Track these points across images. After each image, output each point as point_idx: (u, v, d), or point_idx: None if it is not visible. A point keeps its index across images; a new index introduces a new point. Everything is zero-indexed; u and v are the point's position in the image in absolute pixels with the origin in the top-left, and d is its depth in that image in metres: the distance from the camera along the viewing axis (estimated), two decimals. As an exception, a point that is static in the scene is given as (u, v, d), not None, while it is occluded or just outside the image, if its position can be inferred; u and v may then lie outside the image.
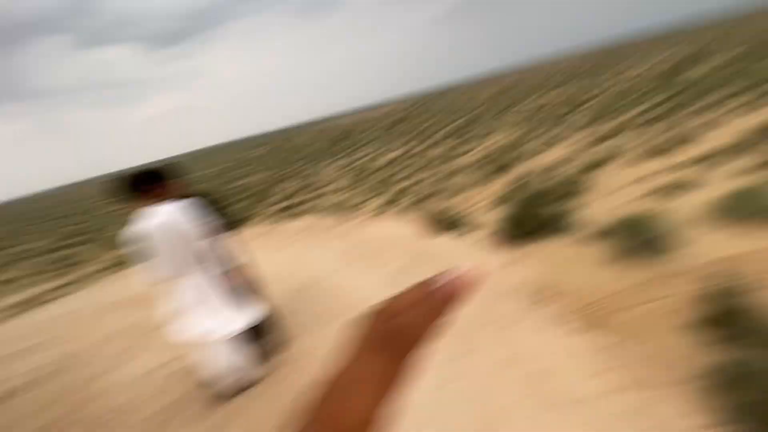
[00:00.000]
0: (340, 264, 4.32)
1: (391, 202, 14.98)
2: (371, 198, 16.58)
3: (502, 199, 8.40)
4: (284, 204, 19.63)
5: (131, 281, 4.73)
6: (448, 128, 32.37)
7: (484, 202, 11.43)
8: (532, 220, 4.26)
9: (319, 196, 19.43)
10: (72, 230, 25.00)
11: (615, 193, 5.92)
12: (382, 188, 17.56)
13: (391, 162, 23.59)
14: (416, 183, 16.83)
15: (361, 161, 27.66)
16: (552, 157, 13.25)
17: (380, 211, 14.20)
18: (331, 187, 20.85)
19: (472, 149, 20.43)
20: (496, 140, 20.78)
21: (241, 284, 2.28)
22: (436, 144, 25.89)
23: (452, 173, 16.50)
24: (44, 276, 13.16)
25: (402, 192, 15.73)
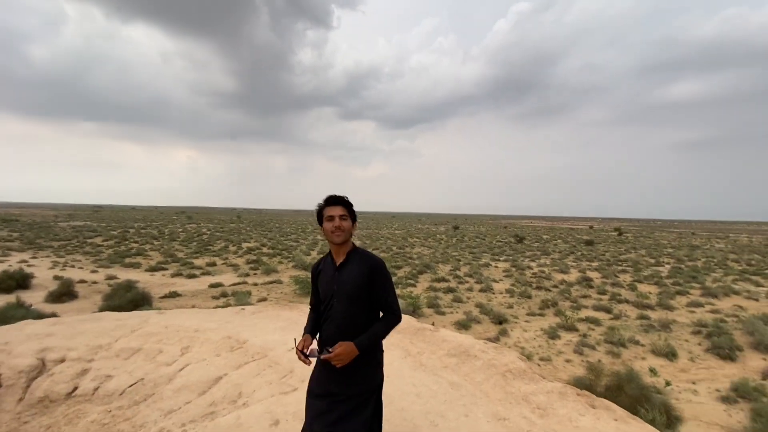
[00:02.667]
0: None
1: (566, 329, 11.91)
2: (536, 315, 13.73)
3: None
4: (441, 285, 18.45)
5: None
6: (657, 268, 25.94)
7: (707, 382, 7.61)
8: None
9: (471, 289, 17.56)
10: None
11: None
12: (551, 308, 14.41)
13: (564, 282, 19.79)
14: (596, 322, 13.07)
15: (533, 269, 24.43)
16: None
17: (549, 333, 11.39)
18: (494, 286, 18.60)
19: (698, 303, 15.09)
20: (736, 302, 14.83)
21: None
22: (637, 282, 20.67)
23: (665, 325, 12.16)
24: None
25: (579, 322, 12.41)
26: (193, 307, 13.87)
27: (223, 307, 13.77)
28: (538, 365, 9.54)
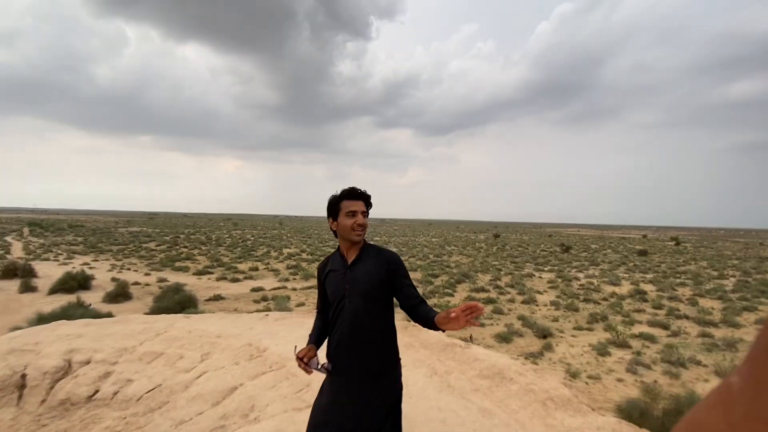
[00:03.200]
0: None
1: (617, 345, 11.04)
2: (584, 330, 12.85)
3: None
4: (480, 295, 17.86)
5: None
6: (720, 281, 23.65)
7: None
8: None
9: (512, 301, 16.77)
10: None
11: None
12: (601, 322, 13.42)
13: (615, 295, 18.45)
14: (652, 337, 11.99)
15: (581, 280, 23.06)
16: None
17: (598, 350, 10.59)
18: (538, 297, 17.71)
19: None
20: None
21: None
22: (698, 296, 18.91)
23: (730, 344, 10.95)
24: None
25: (632, 338, 11.43)
26: (235, 310, 14.34)
27: (263, 311, 14.21)
28: (586, 383, 8.85)
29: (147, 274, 22.06)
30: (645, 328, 12.85)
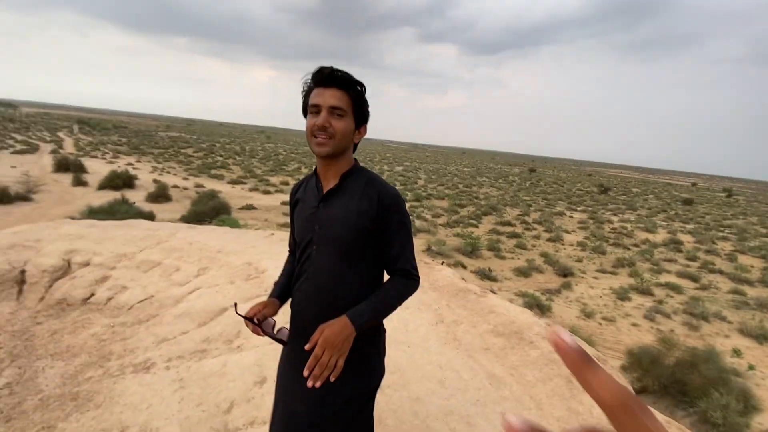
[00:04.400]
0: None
1: (639, 291, 10.84)
2: (607, 273, 12.60)
3: None
4: (505, 229, 17.64)
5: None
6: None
7: None
8: None
9: (538, 237, 16.48)
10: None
11: None
12: (626, 268, 13.07)
13: (647, 242, 17.68)
14: (679, 288, 11.60)
15: (614, 224, 22.19)
16: None
17: (619, 294, 10.46)
18: (565, 237, 17.29)
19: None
20: None
21: None
22: (739, 252, 17.86)
23: (763, 304, 10.48)
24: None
25: (656, 287, 11.14)
26: (266, 220, 14.95)
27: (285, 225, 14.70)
28: (599, 324, 8.88)
29: (185, 179, 23.05)
30: (673, 278, 12.43)
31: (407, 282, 1.19)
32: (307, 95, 1.16)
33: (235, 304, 1.23)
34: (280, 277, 1.38)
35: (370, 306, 1.13)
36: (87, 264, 2.73)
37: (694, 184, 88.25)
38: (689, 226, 23.87)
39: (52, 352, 1.89)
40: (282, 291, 1.32)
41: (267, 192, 21.48)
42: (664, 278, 12.30)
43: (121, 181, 18.71)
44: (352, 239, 1.15)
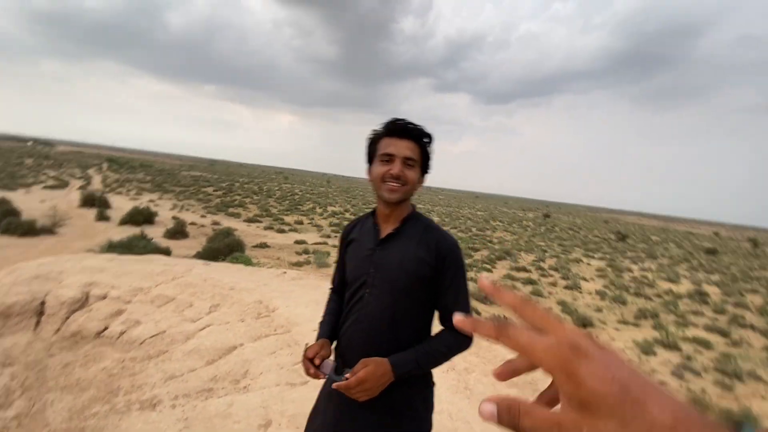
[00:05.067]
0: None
1: (665, 346, 10.26)
2: (629, 325, 12.03)
3: None
4: (520, 275, 17.28)
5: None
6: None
7: None
8: None
9: (554, 285, 16.00)
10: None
11: None
12: (650, 320, 12.47)
13: (671, 293, 16.97)
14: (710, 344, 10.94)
15: (633, 272, 21.50)
16: None
17: (643, 348, 9.91)
18: (583, 285, 16.79)
19: None
20: None
21: None
22: (765, 305, 16.92)
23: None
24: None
25: (683, 341, 10.53)
26: (278, 259, 15.03)
27: (303, 263, 14.75)
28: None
29: (203, 216, 23.63)
30: (700, 332, 11.76)
31: (458, 337, 1.16)
32: (374, 143, 1.23)
33: (306, 345, 1.25)
34: (325, 316, 1.37)
35: (416, 356, 1.12)
36: (104, 297, 2.77)
37: (716, 233, 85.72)
38: (714, 277, 22.90)
39: (62, 385, 1.88)
40: (331, 330, 1.30)
41: (281, 231, 21.77)
42: (691, 332, 11.66)
43: (142, 217, 19.32)
44: (407, 284, 1.15)
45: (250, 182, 63.60)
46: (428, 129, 1.19)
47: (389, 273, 1.16)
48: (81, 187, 29.27)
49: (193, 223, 20.17)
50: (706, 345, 10.62)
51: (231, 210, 27.19)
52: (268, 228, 22.25)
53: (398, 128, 1.17)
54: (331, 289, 1.44)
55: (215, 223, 21.33)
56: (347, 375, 1.06)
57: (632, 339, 10.70)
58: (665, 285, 18.69)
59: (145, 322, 2.49)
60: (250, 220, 23.90)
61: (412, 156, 1.16)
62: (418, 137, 1.18)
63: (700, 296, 16.58)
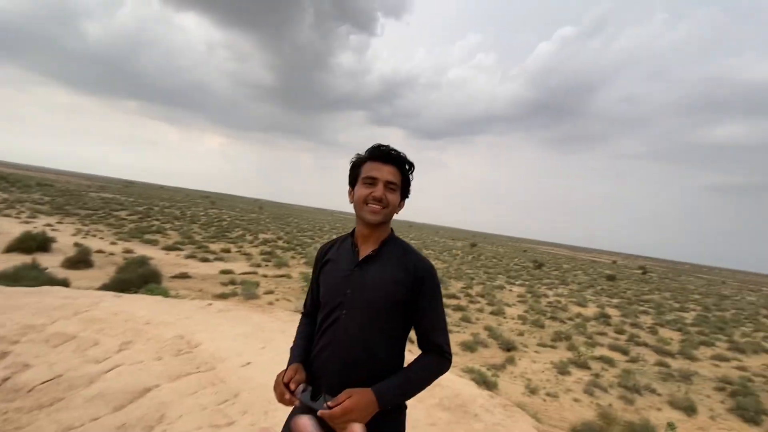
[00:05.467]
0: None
1: (578, 365, 11.13)
2: (548, 347, 12.94)
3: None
4: (450, 302, 17.85)
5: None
6: (681, 314, 24.49)
7: None
8: None
9: (481, 311, 16.82)
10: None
11: None
12: (564, 341, 13.57)
13: (580, 316, 18.76)
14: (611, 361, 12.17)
15: (549, 298, 23.40)
16: None
17: (559, 368, 10.65)
18: (507, 310, 17.82)
19: (724, 357, 13.90)
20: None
21: None
22: (658, 325, 19.44)
23: (686, 376, 11.18)
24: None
25: (592, 360, 11.57)
26: (200, 290, 13.86)
27: (229, 294, 13.77)
28: (544, 401, 8.88)
29: (113, 243, 21.15)
30: (606, 351, 13.05)
31: (439, 360, 1.17)
32: (357, 167, 1.24)
33: (284, 374, 1.17)
34: (296, 340, 1.32)
35: (399, 383, 1.10)
36: (-18, 338, 2.30)
37: (614, 261, 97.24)
38: (614, 300, 25.81)
39: None
40: (304, 354, 1.26)
41: (205, 260, 20.23)
42: (598, 351, 12.88)
43: (35, 243, 16.72)
44: (384, 307, 1.14)
45: (172, 206, 58.79)
46: (409, 157, 1.25)
47: (367, 294, 1.15)
48: (-46, 208, 24.73)
49: (100, 251, 17.91)
50: (611, 363, 11.80)
51: (147, 236, 24.72)
52: (190, 257, 20.53)
53: (382, 153, 1.20)
54: (302, 313, 1.40)
55: (127, 251, 19.17)
56: (329, 403, 1.02)
57: (550, 360, 11.51)
58: (576, 309, 20.60)
59: (37, 365, 2.08)
60: (169, 248, 21.89)
61: (394, 180, 1.19)
62: (401, 163, 1.22)
63: (604, 318, 18.52)
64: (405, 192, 1.27)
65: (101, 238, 22.37)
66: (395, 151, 1.21)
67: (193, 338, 2.67)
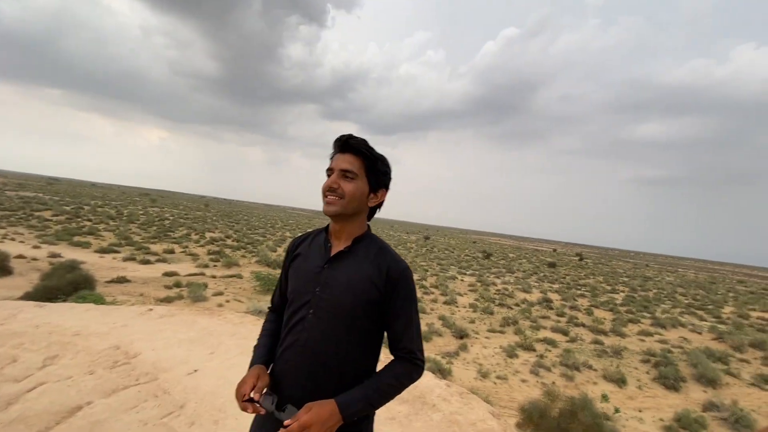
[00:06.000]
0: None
1: (524, 348, 11.80)
2: (497, 332, 13.61)
3: None
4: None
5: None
6: (612, 295, 26.84)
7: (653, 411, 7.69)
8: None
9: (435, 301, 17.32)
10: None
11: None
12: (512, 326, 14.36)
13: (525, 302, 19.94)
14: (553, 342, 13.09)
15: (498, 286, 24.59)
16: None
17: (508, 352, 11.24)
18: (459, 299, 18.46)
19: (648, 332, 15.45)
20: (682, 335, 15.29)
21: None
22: (594, 306, 21.14)
23: (617, 351, 12.27)
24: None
25: (537, 342, 12.36)
26: (141, 295, 12.93)
27: (174, 298, 12.97)
28: (494, 383, 9.35)
29: (36, 247, 19.04)
30: (549, 333, 13.99)
31: (411, 368, 1.11)
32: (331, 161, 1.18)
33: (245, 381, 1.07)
34: (260, 339, 1.22)
35: (365, 393, 1.04)
36: None
37: (554, 250, 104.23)
38: (555, 286, 27.69)
39: None
40: (269, 354, 1.17)
41: (146, 262, 18.87)
42: (542, 334, 13.77)
43: (-64, 250, 14.67)
44: (355, 307, 1.08)
45: (105, 205, 54.07)
46: (370, 144, 1.16)
47: (336, 293, 1.08)
48: None
49: (21, 256, 16.07)
50: (553, 344, 12.66)
51: (78, 239, 22.55)
52: (129, 259, 19.05)
53: (339, 143, 1.14)
54: (269, 308, 1.31)
55: (54, 255, 17.37)
56: (286, 422, 0.95)
57: (500, 345, 12.13)
58: (521, 295, 21.85)
59: None
60: (104, 251, 20.14)
61: (351, 168, 1.12)
62: (357, 150, 1.13)
63: (547, 303, 19.82)
64: (376, 182, 1.18)
65: (21, 241, 20.06)
66: (354, 138, 1.13)
67: (131, 348, 2.45)
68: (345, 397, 1.02)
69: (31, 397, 1.84)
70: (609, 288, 29.80)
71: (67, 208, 41.56)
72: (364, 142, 1.15)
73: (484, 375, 9.65)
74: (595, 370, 10.81)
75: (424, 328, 12.80)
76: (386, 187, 1.21)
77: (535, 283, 27.84)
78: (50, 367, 2.14)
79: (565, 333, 14.33)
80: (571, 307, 19.48)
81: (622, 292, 28.47)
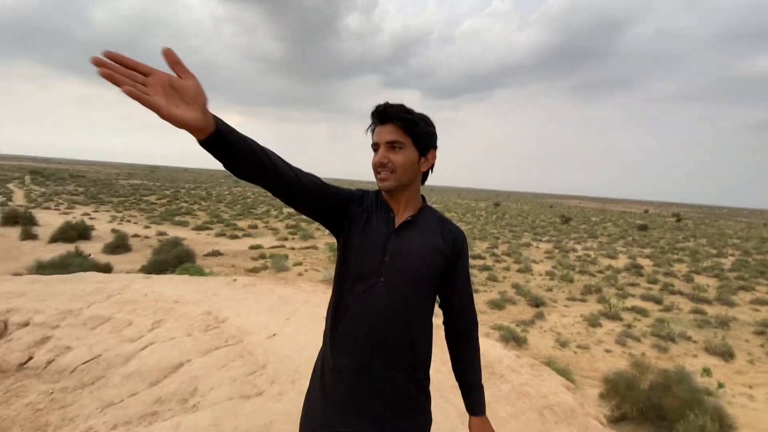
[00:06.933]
0: None
1: (609, 317, 11.08)
2: (577, 301, 12.87)
3: None
4: (476, 262, 17.88)
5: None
6: (719, 260, 23.62)
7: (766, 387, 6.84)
8: None
9: (508, 269, 16.77)
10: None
11: None
12: (594, 294, 13.43)
13: (611, 268, 18.39)
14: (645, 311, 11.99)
15: (578, 252, 23.01)
16: None
17: (590, 321, 10.65)
18: (534, 267, 17.69)
19: (764, 301, 13.44)
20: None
21: None
22: (694, 273, 18.87)
23: (723, 322, 10.93)
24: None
25: (624, 311, 11.45)
26: (233, 266, 14.42)
27: (260, 268, 14.26)
28: (575, 353, 8.94)
29: (147, 227, 22.11)
30: (638, 302, 12.87)
31: (475, 327, 1.21)
32: (373, 135, 1.13)
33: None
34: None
35: (480, 383, 1.20)
36: (26, 324, 2.46)
37: (646, 211, 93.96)
38: (647, 251, 25.13)
39: (-23, 429, 1.65)
40: (231, 132, 0.87)
41: (234, 237, 20.91)
42: (630, 302, 12.71)
43: (75, 232, 17.67)
44: (426, 276, 1.08)
45: (197, 187, 60.43)
46: (408, 105, 1.09)
47: (407, 263, 1.07)
48: (0, 204, 26.29)
49: (136, 236, 18.80)
50: (643, 313, 11.64)
51: (178, 218, 25.68)
52: (220, 235, 21.27)
53: (378, 114, 1.09)
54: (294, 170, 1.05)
55: (161, 233, 20.04)
56: None
57: (580, 314, 11.47)
58: (606, 261, 20.22)
59: (77, 347, 2.24)
60: (199, 228, 22.71)
61: (396, 138, 1.07)
62: (398, 118, 1.08)
63: (636, 269, 18.12)
64: (424, 145, 1.12)
65: (135, 222, 23.41)
66: (391, 107, 1.08)
67: (220, 314, 2.79)
68: (481, 403, 1.18)
69: (144, 355, 2.20)
70: (714, 252, 26.31)
71: (167, 192, 47.24)
72: (401, 107, 1.08)
73: (563, 344, 9.24)
74: (695, 341, 9.77)
75: (495, 296, 12.54)
76: (434, 147, 1.15)
77: (622, 249, 25.52)
78: (157, 329, 2.52)
79: (658, 301, 13.06)
80: (666, 274, 17.61)
81: (732, 255, 24.96)
